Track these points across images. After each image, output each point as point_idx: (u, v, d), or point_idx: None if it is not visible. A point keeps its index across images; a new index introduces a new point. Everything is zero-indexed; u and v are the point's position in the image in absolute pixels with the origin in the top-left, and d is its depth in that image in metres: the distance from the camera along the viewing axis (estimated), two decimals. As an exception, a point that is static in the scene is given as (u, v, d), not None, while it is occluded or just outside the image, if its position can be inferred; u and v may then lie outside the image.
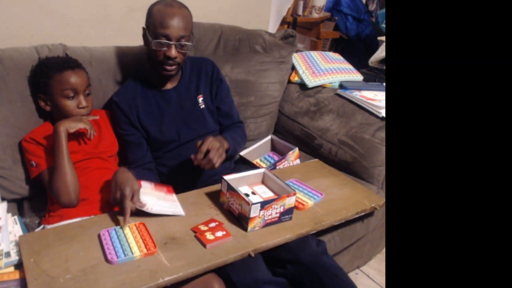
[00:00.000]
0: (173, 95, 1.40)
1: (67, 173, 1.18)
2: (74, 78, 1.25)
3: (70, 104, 1.26)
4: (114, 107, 1.36)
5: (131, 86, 1.39)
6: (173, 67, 1.30)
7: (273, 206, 1.13)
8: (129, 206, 1.08)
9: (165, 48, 1.26)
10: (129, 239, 1.04)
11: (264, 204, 1.11)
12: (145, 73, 1.41)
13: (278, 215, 1.16)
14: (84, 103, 1.27)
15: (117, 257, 0.98)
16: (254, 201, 1.10)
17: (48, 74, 1.25)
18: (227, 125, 1.50)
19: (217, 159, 1.22)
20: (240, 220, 1.14)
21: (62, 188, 1.18)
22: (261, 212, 1.11)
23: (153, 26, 1.25)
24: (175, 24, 1.24)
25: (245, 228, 1.12)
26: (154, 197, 1.18)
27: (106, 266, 0.97)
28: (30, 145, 1.25)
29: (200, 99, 1.42)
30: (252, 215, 1.10)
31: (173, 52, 1.26)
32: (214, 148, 1.23)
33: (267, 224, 1.15)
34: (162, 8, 1.25)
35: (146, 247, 1.02)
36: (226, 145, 1.32)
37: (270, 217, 1.14)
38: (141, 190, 1.15)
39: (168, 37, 1.25)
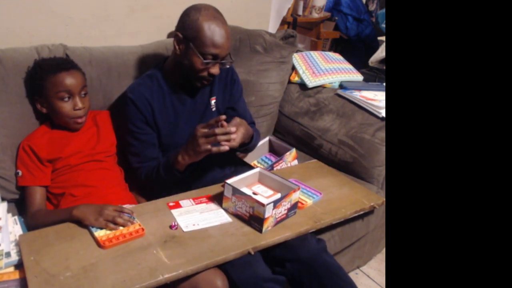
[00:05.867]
0: (187, 97, 1.38)
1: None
2: (68, 80, 1.23)
3: (66, 106, 1.24)
4: (129, 104, 1.30)
5: (147, 83, 1.34)
6: (210, 80, 1.31)
7: (282, 203, 1.14)
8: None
9: (210, 66, 1.25)
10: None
11: (276, 203, 1.11)
12: (163, 71, 1.36)
13: (286, 211, 1.17)
14: (80, 105, 1.25)
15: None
16: (264, 201, 1.10)
17: (43, 77, 1.23)
18: None
19: (239, 138, 1.21)
20: (253, 222, 1.13)
21: (32, 224, 1.16)
22: (273, 211, 1.12)
23: (203, 43, 1.21)
24: (226, 45, 1.24)
25: (259, 230, 1.12)
26: (197, 213, 1.18)
27: (106, 263, 0.97)
28: (25, 154, 1.25)
29: (213, 102, 1.41)
30: (266, 215, 1.10)
31: (217, 70, 1.26)
32: (242, 125, 1.25)
33: (277, 222, 1.16)
34: (212, 25, 1.21)
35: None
36: (251, 131, 1.34)
37: (280, 214, 1.15)
38: (183, 209, 1.18)
39: (216, 56, 1.24)
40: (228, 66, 1.34)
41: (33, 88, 1.28)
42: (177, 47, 1.27)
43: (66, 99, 1.24)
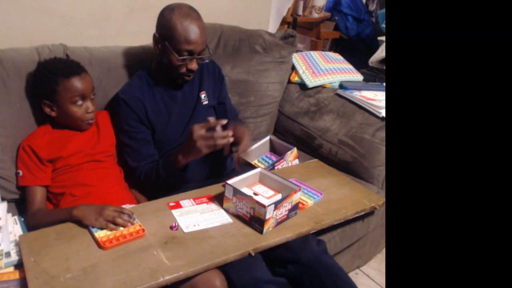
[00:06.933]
0: (178, 93, 1.40)
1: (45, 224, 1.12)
2: (81, 84, 1.24)
3: (79, 110, 1.25)
4: (122, 105, 1.33)
5: (137, 84, 1.37)
6: (191, 76, 1.33)
7: (283, 204, 1.14)
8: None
9: (187, 62, 1.28)
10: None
11: (277, 204, 1.11)
12: (149, 71, 1.39)
13: (287, 212, 1.17)
14: (91, 108, 1.28)
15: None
16: (265, 202, 1.10)
17: (55, 81, 1.22)
18: (232, 118, 1.50)
19: (242, 161, 1.30)
20: (254, 223, 1.13)
21: (32, 223, 1.15)
22: (274, 212, 1.12)
23: (176, 41, 1.24)
24: (200, 40, 1.26)
25: (260, 231, 1.12)
26: (197, 213, 1.18)
27: (107, 265, 0.97)
28: (25, 154, 1.25)
29: (203, 96, 1.43)
30: (267, 216, 1.10)
31: (195, 65, 1.29)
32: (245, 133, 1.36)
33: (278, 223, 1.16)
34: (185, 22, 1.24)
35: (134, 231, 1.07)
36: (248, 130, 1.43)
37: (281, 215, 1.15)
38: (183, 209, 1.18)
39: (191, 52, 1.26)
40: (207, 61, 1.37)
41: (42, 92, 1.25)
42: (156, 47, 1.31)
43: (79, 103, 1.25)
